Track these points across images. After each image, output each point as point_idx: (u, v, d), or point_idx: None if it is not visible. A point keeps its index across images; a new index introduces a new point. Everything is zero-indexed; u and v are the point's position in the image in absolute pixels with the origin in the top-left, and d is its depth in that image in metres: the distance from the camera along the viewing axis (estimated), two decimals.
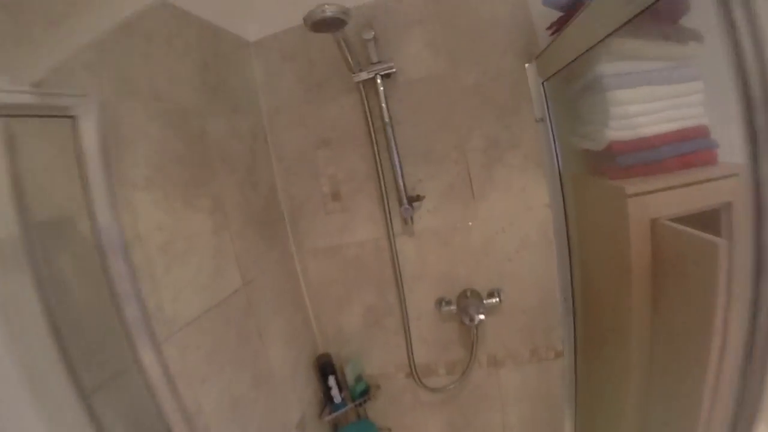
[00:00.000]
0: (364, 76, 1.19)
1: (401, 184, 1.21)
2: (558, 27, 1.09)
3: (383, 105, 1.20)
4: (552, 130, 1.21)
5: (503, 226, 1.27)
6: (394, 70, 1.20)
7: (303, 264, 1.38)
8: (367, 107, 1.23)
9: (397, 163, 1.20)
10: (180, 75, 1.00)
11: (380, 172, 1.24)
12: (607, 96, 0.88)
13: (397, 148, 1.20)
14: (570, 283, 1.29)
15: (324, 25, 0.91)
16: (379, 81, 1.20)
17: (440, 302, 1.33)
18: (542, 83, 1.20)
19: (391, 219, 1.25)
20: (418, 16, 1.24)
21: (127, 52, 0.83)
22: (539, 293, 1.30)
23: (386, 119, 1.20)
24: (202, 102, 1.06)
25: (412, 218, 1.24)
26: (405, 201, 1.22)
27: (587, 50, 0.84)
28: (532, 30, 1.22)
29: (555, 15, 1.06)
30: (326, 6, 0.89)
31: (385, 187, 1.24)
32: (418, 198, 1.25)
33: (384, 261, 1.32)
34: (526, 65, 1.22)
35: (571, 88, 1.10)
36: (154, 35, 0.93)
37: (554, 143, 1.21)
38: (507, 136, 1.23)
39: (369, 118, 1.23)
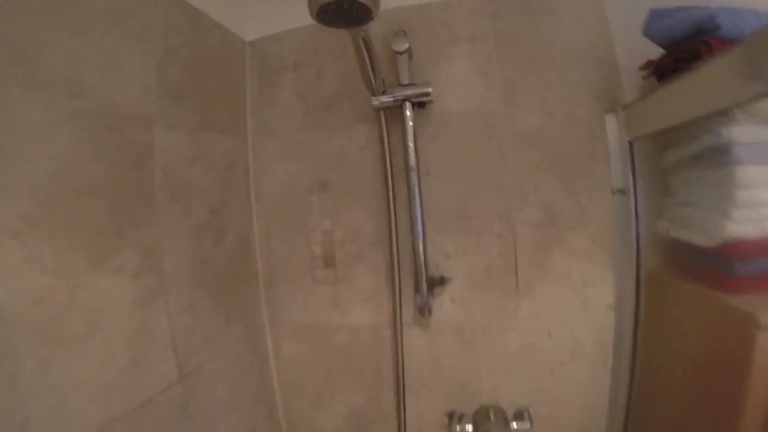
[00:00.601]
0: (387, 100, 0.86)
1: (422, 258, 0.86)
2: (657, 68, 0.80)
3: (410, 144, 0.85)
4: (636, 209, 0.88)
5: (550, 329, 0.93)
6: (430, 97, 0.86)
7: (276, 342, 1.02)
8: (386, 144, 0.88)
9: (419, 227, 0.86)
10: (125, 66, 0.68)
11: (394, 237, 0.89)
12: (733, 173, 0.65)
13: (422, 207, 0.85)
14: (626, 412, 0.96)
15: (339, 13, 0.57)
16: (408, 110, 0.86)
17: (452, 417, 0.97)
18: (629, 143, 0.88)
19: (400, 303, 0.90)
20: (469, 30, 0.91)
21: (35, 19, 0.52)
22: (581, 419, 0.96)
23: (412, 164, 0.85)
24: (152, 107, 0.72)
25: (430, 309, 0.89)
26: (424, 284, 0.87)
27: (712, 112, 0.59)
28: (615, 67, 0.90)
29: (649, 49, 0.78)
30: None
31: (399, 259, 0.89)
32: (443, 281, 0.90)
33: (383, 355, 0.97)
34: (607, 115, 0.89)
35: (674, 154, 0.81)
36: (93, 3, 0.59)
37: (636, 226, 0.88)
38: (572, 208, 0.90)
39: (388, 160, 0.88)
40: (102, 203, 0.63)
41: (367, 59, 0.75)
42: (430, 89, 0.86)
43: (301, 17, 0.92)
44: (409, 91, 0.86)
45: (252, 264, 0.97)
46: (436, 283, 0.89)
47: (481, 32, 0.92)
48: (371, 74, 0.79)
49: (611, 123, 0.91)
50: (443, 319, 0.91)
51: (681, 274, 0.77)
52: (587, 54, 0.91)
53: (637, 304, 0.89)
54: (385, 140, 0.88)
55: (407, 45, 0.87)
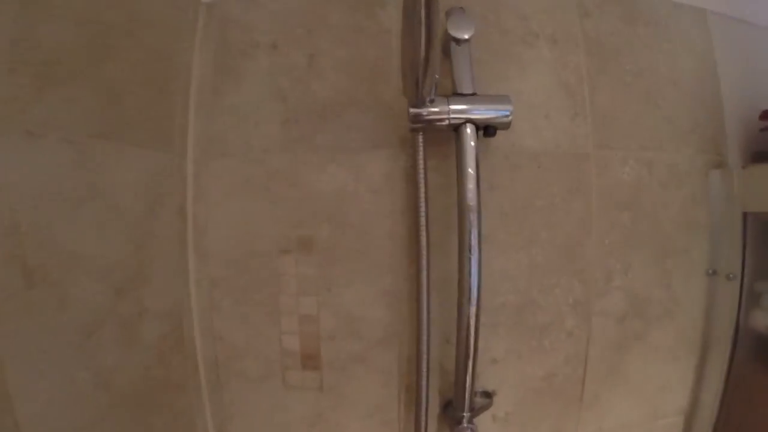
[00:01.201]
0: (438, 115, 0.51)
1: (468, 369, 0.55)
2: None
3: (470, 192, 0.52)
4: (740, 297, 0.66)
5: None
6: (510, 116, 0.52)
7: None
8: (423, 185, 0.54)
9: (471, 322, 0.54)
10: None
11: (424, 332, 0.56)
12: None
13: (479, 289, 0.53)
14: None
15: None
16: (470, 137, 0.52)
17: None
18: (743, 215, 0.64)
19: (426, 426, 0.59)
20: (551, 28, 0.60)
21: None
22: None
23: (471, 220, 0.52)
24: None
25: None
26: (465, 406, 0.57)
27: None
28: (721, 109, 0.67)
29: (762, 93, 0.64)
30: None
31: (428, 365, 0.57)
32: (487, 397, 0.61)
33: None
34: (711, 172, 0.64)
35: None
36: None
37: (738, 318, 0.66)
38: (662, 294, 0.65)
39: (423, 212, 0.54)
40: None
41: (422, 41, 0.40)
42: (510, 109, 0.53)
43: None
44: (476, 106, 0.52)
45: (189, 356, 0.60)
46: (480, 403, 0.59)
47: (567, 33, 0.61)
48: (422, 68, 0.43)
49: (716, 183, 0.66)
50: None
51: None
52: (694, 90, 0.67)
53: (721, 409, 0.69)
54: (422, 180, 0.54)
55: (473, 30, 0.53)
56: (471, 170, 0.52)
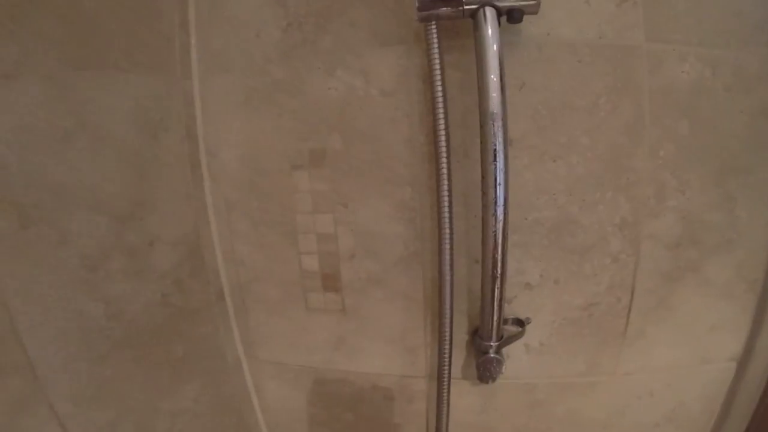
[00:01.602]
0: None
1: (495, 292, 0.51)
2: None
3: (493, 90, 0.46)
4: None
5: (654, 388, 0.63)
6: (535, 2, 0.45)
7: (257, 381, 0.68)
8: (440, 82, 0.49)
9: (498, 236, 0.49)
10: None
11: (446, 250, 0.52)
12: None
13: (505, 199, 0.48)
14: None
15: None
16: (490, 23, 0.46)
17: None
18: None
19: (451, 354, 0.56)
20: None
21: None
22: None
23: (495, 120, 0.46)
24: None
25: (495, 374, 0.55)
26: (492, 335, 0.53)
27: None
28: None
29: None
30: None
31: (452, 285, 0.53)
32: (519, 325, 0.57)
33: (413, 417, 0.65)
34: None
35: None
36: None
37: None
38: (723, 221, 0.57)
39: (442, 112, 0.49)
40: None
41: None
42: None
43: None
44: None
45: (211, 282, 0.60)
46: (511, 332, 0.55)
47: None
48: None
49: None
50: (507, 374, 0.59)
51: None
52: None
53: None
54: (438, 79, 0.48)
55: None
56: (493, 66, 0.45)
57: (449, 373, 0.56)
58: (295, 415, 0.68)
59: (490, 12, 0.45)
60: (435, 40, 0.47)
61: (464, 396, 0.62)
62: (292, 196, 0.55)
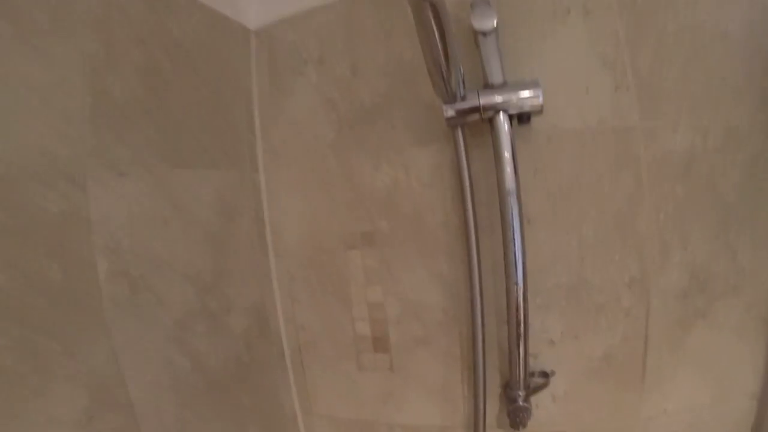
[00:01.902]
0: (470, 111, 0.56)
1: (522, 348, 0.59)
2: None
3: (508, 173, 0.56)
4: None
5: (678, 428, 0.68)
6: (540, 100, 0.56)
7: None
8: (467, 176, 0.59)
9: (520, 300, 0.58)
10: (23, 81, 0.41)
11: (478, 314, 0.61)
12: None
13: (524, 270, 0.57)
14: None
15: None
16: (504, 126, 0.57)
17: None
18: None
19: (485, 405, 0.64)
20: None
21: None
22: None
23: (511, 206, 0.57)
24: (81, 148, 0.46)
25: (525, 420, 0.62)
26: (520, 385, 0.61)
27: None
28: None
29: None
30: None
31: (484, 344, 0.62)
32: (545, 377, 0.64)
33: None
34: None
35: None
36: None
37: None
38: (727, 268, 0.64)
39: (469, 201, 0.60)
40: (6, 331, 0.36)
41: (438, 43, 0.45)
42: (539, 93, 0.56)
43: None
44: (506, 96, 0.56)
45: (275, 342, 0.70)
46: (538, 387, 0.63)
47: (599, 0, 0.61)
48: (444, 68, 0.49)
49: None
50: (539, 423, 0.66)
51: None
52: (746, 36, 0.62)
53: None
54: (465, 173, 0.59)
55: (496, 21, 0.56)
56: (507, 155, 0.56)
57: (484, 422, 0.63)
58: None
59: (503, 117, 0.56)
60: (461, 141, 0.58)
61: None
62: (347, 270, 0.65)
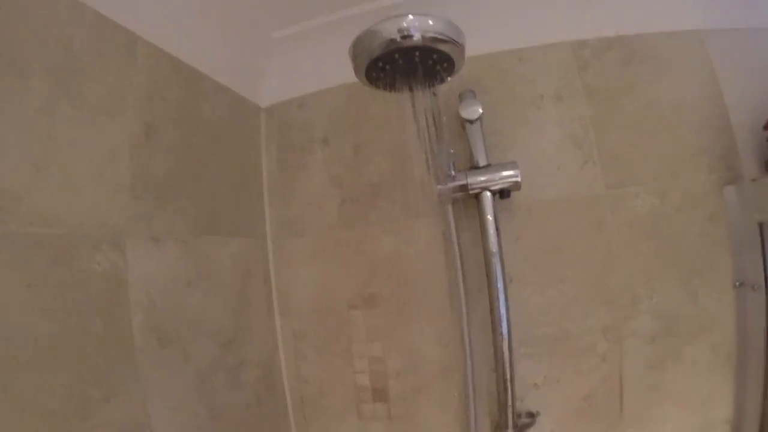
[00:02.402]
0: (458, 189, 0.63)
1: (509, 393, 0.65)
2: None
3: (493, 243, 0.64)
4: None
5: None
6: (518, 178, 0.63)
7: None
8: (457, 246, 0.66)
9: (506, 352, 0.64)
10: (75, 155, 0.47)
11: (469, 366, 0.67)
12: None
13: (509, 326, 0.64)
14: None
15: (398, 69, 0.45)
16: (487, 202, 0.64)
17: None
18: (759, 225, 0.69)
19: None
20: (554, 86, 0.71)
21: None
22: None
23: (496, 271, 0.64)
24: (122, 215, 0.51)
25: None
26: (509, 425, 0.67)
27: None
28: (729, 128, 0.71)
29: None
30: (412, 21, 0.42)
31: (474, 393, 0.68)
32: (531, 417, 0.70)
33: None
34: (725, 188, 0.70)
35: None
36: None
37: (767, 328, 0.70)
38: (691, 312, 0.72)
39: (459, 266, 0.66)
40: (55, 376, 0.40)
41: (430, 134, 0.52)
42: (517, 173, 0.63)
43: (334, 74, 0.67)
44: (489, 176, 0.63)
45: (279, 398, 0.74)
46: (525, 423, 0.69)
47: (569, 88, 0.70)
48: (435, 153, 0.55)
49: (731, 197, 0.71)
50: None
51: None
52: (698, 112, 0.72)
53: (763, 418, 0.73)
54: (455, 241, 0.66)
55: (480, 110, 0.64)
56: (491, 225, 0.63)
57: None
58: None
59: (487, 193, 0.63)
60: (451, 214, 0.65)
61: None
62: (350, 329, 0.71)
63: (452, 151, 0.62)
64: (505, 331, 0.64)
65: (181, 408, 0.56)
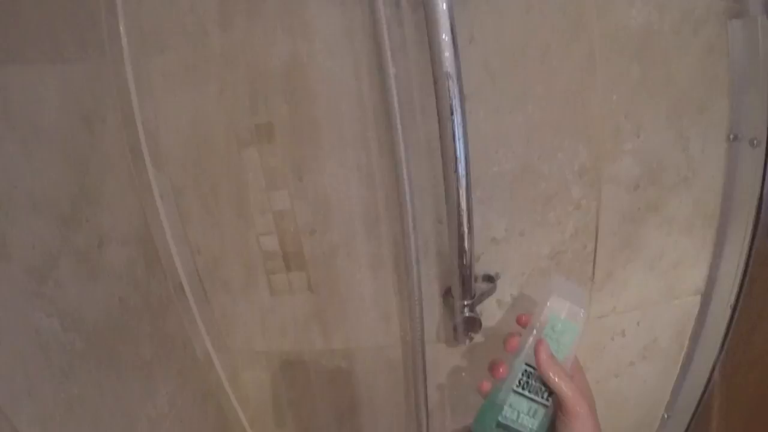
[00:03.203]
0: None
1: (465, 250, 0.50)
2: None
3: (442, 43, 0.43)
4: (766, 166, 0.57)
5: (626, 326, 0.65)
6: None
7: (231, 372, 0.65)
8: (388, 42, 0.46)
9: (461, 197, 0.48)
10: None
11: (409, 211, 0.51)
12: None
13: (466, 162, 0.47)
14: (696, 406, 0.75)
15: None
16: None
17: None
18: None
19: (422, 318, 0.55)
20: None
21: None
22: (636, 416, 0.75)
23: (448, 69, 0.45)
24: None
25: (473, 331, 0.55)
26: (466, 294, 0.52)
27: None
28: None
29: None
30: None
31: (417, 248, 0.52)
32: (490, 281, 0.56)
33: (394, 385, 0.65)
34: (731, 22, 0.54)
35: None
36: None
37: (763, 188, 0.57)
38: (678, 159, 0.58)
39: (390, 69, 0.47)
40: None
41: None
42: None
43: None
44: None
45: (168, 274, 0.56)
46: (483, 289, 0.55)
47: None
48: None
49: (736, 34, 0.55)
50: (484, 331, 0.59)
51: None
52: None
53: (741, 291, 0.63)
54: (385, 36, 0.46)
55: None
56: (444, 25, 0.43)
57: (422, 336, 0.55)
58: (276, 402, 0.66)
59: None
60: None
61: (443, 358, 0.62)
62: (243, 175, 0.52)
63: None
64: (462, 167, 0.46)
65: (14, 328, 0.37)
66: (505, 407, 0.39)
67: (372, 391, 0.64)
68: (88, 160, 0.47)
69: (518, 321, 0.44)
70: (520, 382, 0.39)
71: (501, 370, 0.40)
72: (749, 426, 0.64)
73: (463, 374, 0.63)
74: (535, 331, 0.41)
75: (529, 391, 0.39)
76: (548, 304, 0.41)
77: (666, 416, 0.76)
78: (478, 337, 0.57)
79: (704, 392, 0.72)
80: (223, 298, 0.59)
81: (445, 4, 0.43)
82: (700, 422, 0.74)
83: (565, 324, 0.41)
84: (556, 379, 0.37)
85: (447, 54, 0.44)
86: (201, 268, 0.57)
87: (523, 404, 0.39)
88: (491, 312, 0.58)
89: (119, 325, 0.49)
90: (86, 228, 0.46)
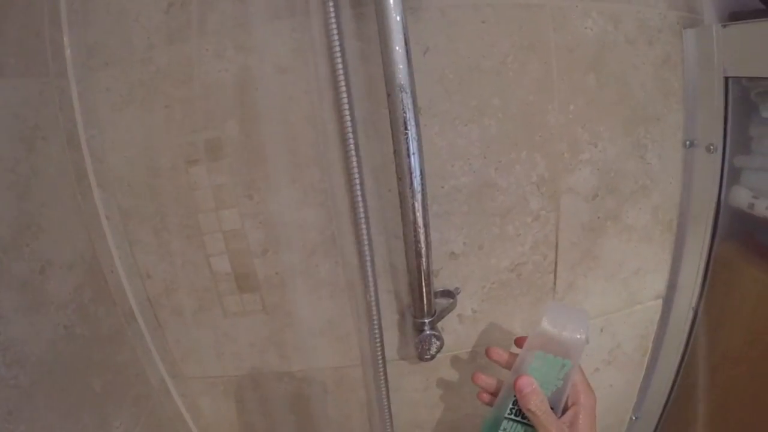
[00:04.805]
0: None
1: (422, 267, 0.49)
2: None
3: (396, 55, 0.42)
4: (722, 171, 0.58)
5: (590, 334, 0.65)
6: None
7: (190, 400, 0.62)
8: (341, 57, 0.45)
9: (417, 212, 0.46)
10: None
11: (364, 228, 0.49)
12: None
13: (421, 175, 0.45)
14: (663, 408, 0.76)
15: None
16: None
17: None
18: (725, 80, 0.54)
19: (382, 336, 0.54)
20: None
21: None
22: (605, 420, 0.76)
23: (401, 82, 0.43)
24: None
25: (436, 349, 0.53)
26: (426, 312, 0.51)
27: None
28: None
29: None
30: None
31: (372, 267, 0.51)
32: (449, 297, 0.55)
33: (357, 406, 0.63)
34: (685, 32, 0.55)
35: None
36: None
37: (719, 194, 0.58)
38: (636, 168, 0.58)
39: (344, 86, 0.45)
40: None
41: None
42: None
43: None
44: None
45: (119, 305, 0.53)
46: (443, 305, 0.53)
47: None
48: None
49: (690, 43, 0.56)
50: (446, 348, 0.57)
51: (758, 259, 0.56)
52: None
53: (702, 295, 0.64)
54: (338, 50, 0.44)
55: None
56: (397, 36, 0.41)
57: (383, 356, 0.54)
58: (235, 428, 0.64)
59: None
60: (332, 10, 0.43)
61: (405, 376, 0.60)
62: (192, 194, 0.49)
63: None
64: (417, 182, 0.45)
65: None
66: None
67: (335, 412, 0.62)
68: (28, 182, 0.44)
69: (516, 343, 0.45)
70: (511, 411, 0.39)
71: (484, 395, 0.43)
72: (714, 424, 0.65)
73: (428, 391, 0.62)
74: (523, 364, 0.40)
75: (522, 417, 0.38)
76: (537, 330, 0.41)
77: (634, 418, 0.78)
78: (440, 354, 0.56)
79: (670, 393, 0.73)
80: (176, 322, 0.56)
81: (398, 16, 0.41)
82: (667, 423, 0.75)
83: (549, 360, 0.40)
84: (537, 416, 0.36)
85: (401, 66, 0.43)
86: (151, 293, 0.54)
87: (519, 429, 0.38)
88: (452, 327, 0.57)
89: (66, 356, 0.46)
90: (27, 254, 0.43)
